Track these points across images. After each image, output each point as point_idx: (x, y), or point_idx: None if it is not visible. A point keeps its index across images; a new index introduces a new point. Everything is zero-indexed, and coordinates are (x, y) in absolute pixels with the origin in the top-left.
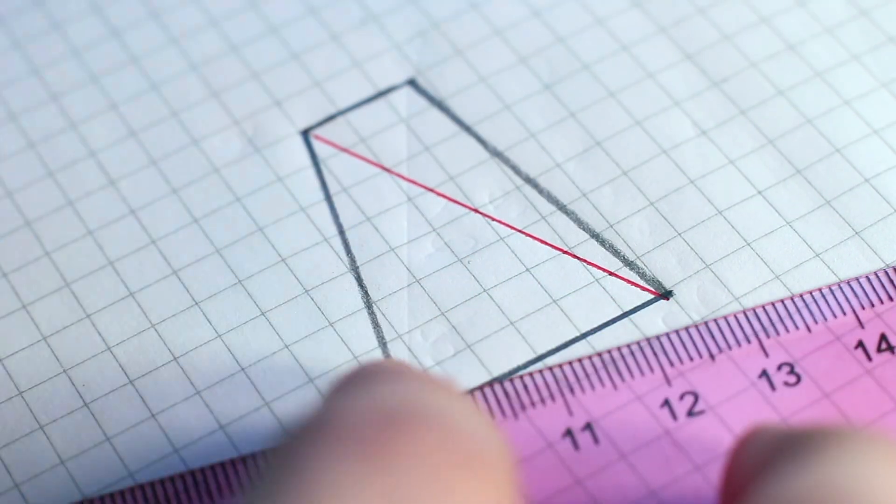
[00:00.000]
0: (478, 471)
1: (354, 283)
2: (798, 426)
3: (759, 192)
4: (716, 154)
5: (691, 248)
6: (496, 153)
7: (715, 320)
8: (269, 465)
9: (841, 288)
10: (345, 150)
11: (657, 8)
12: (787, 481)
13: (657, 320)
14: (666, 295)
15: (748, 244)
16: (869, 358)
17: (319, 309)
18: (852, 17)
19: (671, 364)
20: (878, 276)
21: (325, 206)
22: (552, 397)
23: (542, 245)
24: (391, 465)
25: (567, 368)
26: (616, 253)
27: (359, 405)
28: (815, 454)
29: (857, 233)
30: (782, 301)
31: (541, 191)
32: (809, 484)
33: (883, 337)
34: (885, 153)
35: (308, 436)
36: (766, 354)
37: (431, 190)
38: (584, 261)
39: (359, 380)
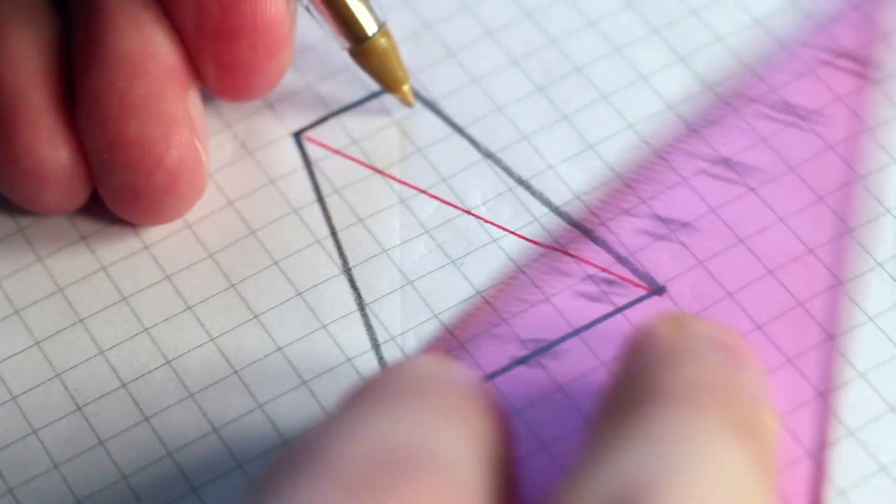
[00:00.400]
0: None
1: (347, 284)
2: (661, 352)
3: (752, 190)
4: (710, 154)
5: (684, 246)
6: (488, 154)
7: None
8: (258, 493)
9: None
10: (337, 151)
11: (650, 9)
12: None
13: (651, 316)
14: (659, 291)
15: (741, 241)
16: None
17: (312, 311)
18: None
19: None
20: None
21: (317, 208)
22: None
23: (535, 246)
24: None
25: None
26: (609, 250)
27: (356, 445)
28: (640, 425)
29: (850, 230)
30: None
31: (533, 192)
32: (619, 476)
33: None
34: (877, 153)
35: (302, 471)
36: None
37: (424, 192)
38: (577, 257)
39: (366, 401)
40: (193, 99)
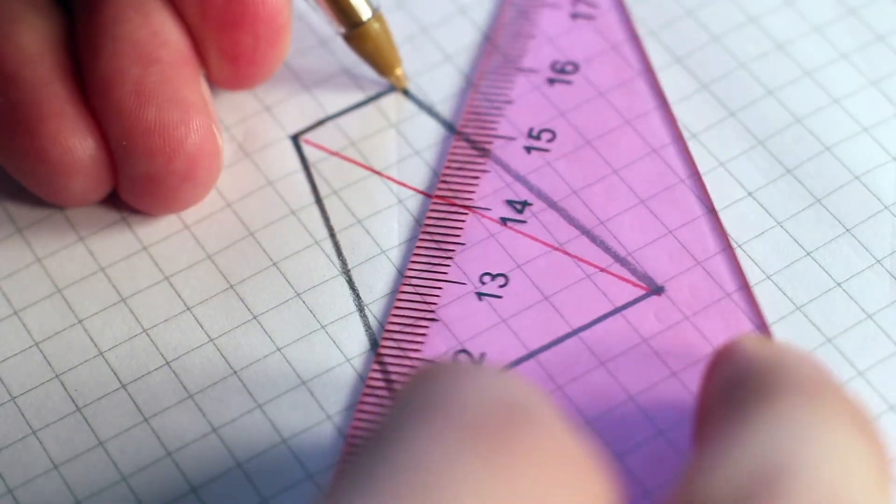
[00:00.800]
0: (588, 480)
1: (346, 285)
2: (763, 358)
3: (750, 194)
4: (706, 157)
5: (682, 246)
6: (487, 153)
7: None
8: (374, 446)
9: None
10: (335, 153)
11: (645, 11)
12: (733, 451)
13: (649, 316)
14: (658, 291)
15: (739, 246)
16: None
17: (311, 312)
18: (840, 15)
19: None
20: None
21: (315, 210)
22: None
23: (533, 242)
24: (514, 467)
25: None
26: (607, 249)
27: (475, 395)
28: (765, 414)
29: (847, 230)
30: None
31: (531, 189)
32: (753, 459)
33: None
34: (875, 150)
35: (422, 421)
36: None
37: (421, 192)
38: (576, 257)
39: (449, 373)
40: (204, 86)
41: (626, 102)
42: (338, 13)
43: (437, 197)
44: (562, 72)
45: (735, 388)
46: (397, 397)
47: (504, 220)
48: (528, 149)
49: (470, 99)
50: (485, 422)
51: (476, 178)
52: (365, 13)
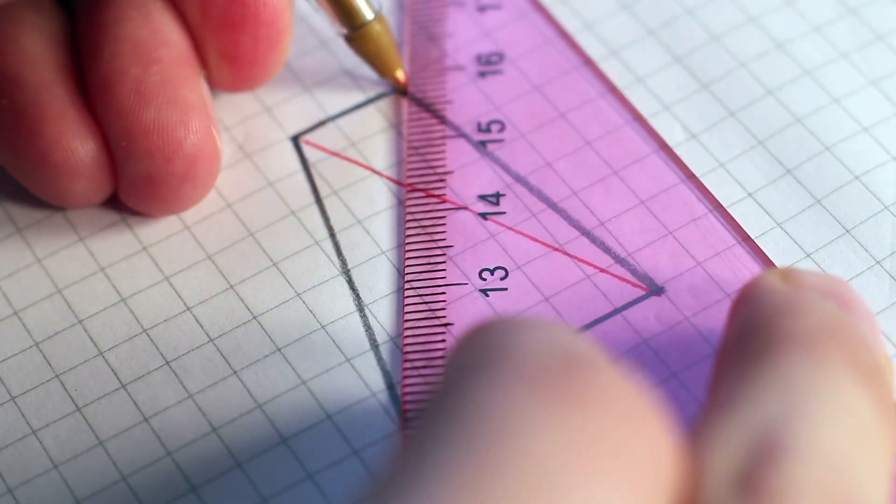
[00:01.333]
0: (651, 424)
1: (346, 285)
2: (776, 303)
3: (750, 195)
4: (706, 158)
5: (682, 247)
6: (487, 153)
7: None
8: (439, 403)
9: None
10: (335, 154)
11: (645, 10)
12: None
13: (649, 316)
14: (658, 291)
15: (739, 243)
16: None
17: (311, 312)
18: (840, 15)
19: None
20: None
21: (315, 210)
22: None
23: (533, 242)
24: (582, 414)
25: None
26: (607, 250)
27: (536, 345)
28: (767, 373)
29: (847, 231)
30: None
31: (531, 189)
32: (753, 428)
33: None
34: (875, 150)
35: (489, 370)
36: None
37: (421, 191)
38: (576, 258)
39: (506, 326)
40: (204, 86)
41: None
42: (340, 14)
43: (441, 198)
44: (488, 63)
45: (747, 334)
46: (455, 355)
47: (510, 220)
48: (483, 143)
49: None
50: (549, 371)
51: (478, 176)
52: (368, 14)
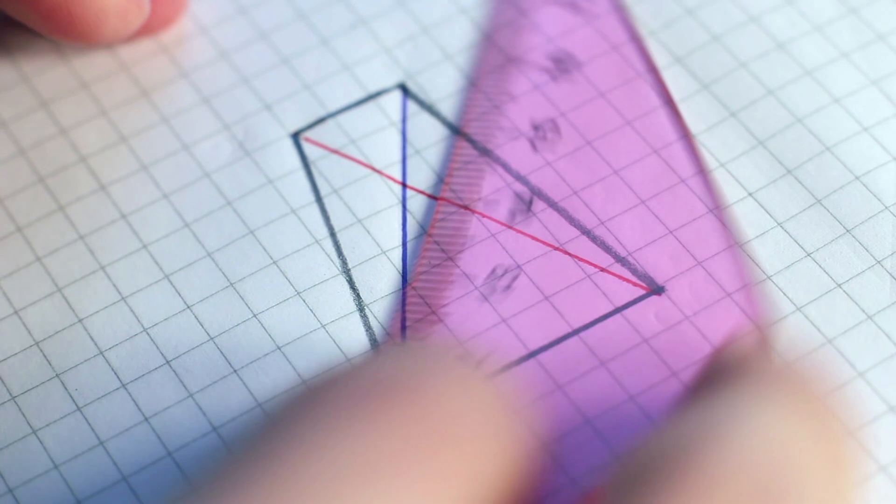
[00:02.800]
0: (453, 450)
1: (346, 285)
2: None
3: (750, 195)
4: (706, 158)
5: (683, 247)
6: (486, 152)
7: None
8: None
9: None
10: (335, 151)
11: (645, 11)
12: None
13: (650, 316)
14: (658, 291)
15: (740, 246)
16: None
17: (311, 311)
18: (841, 14)
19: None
20: None
21: (315, 208)
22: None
23: (534, 242)
24: (367, 430)
25: None
26: (607, 249)
27: (358, 374)
28: (704, 400)
29: (848, 231)
30: None
31: (531, 188)
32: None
33: None
34: (876, 150)
35: (311, 397)
36: None
37: (422, 192)
38: (576, 257)
39: (381, 356)
40: None
41: (629, 101)
42: None
43: (441, 198)
44: (563, 69)
45: (701, 381)
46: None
47: (510, 220)
48: (533, 144)
49: (471, 97)
50: (352, 396)
51: (480, 177)
52: None
